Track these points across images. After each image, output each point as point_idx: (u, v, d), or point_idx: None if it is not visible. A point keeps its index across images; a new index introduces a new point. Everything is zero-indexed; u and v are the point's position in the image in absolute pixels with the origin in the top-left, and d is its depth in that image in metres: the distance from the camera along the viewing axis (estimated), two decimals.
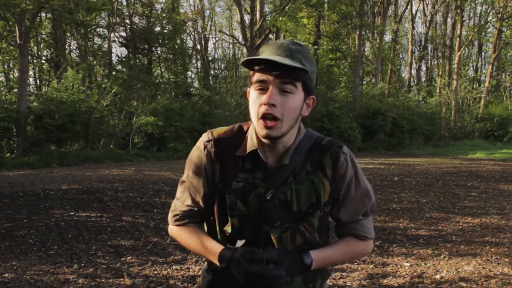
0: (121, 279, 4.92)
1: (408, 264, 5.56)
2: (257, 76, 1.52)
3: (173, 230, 1.77)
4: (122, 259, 5.66)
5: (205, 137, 1.69)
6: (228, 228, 1.62)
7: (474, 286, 4.83)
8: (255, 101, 1.53)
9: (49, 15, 23.90)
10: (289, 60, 1.48)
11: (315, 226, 1.61)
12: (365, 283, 4.89)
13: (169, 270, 5.25)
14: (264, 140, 1.58)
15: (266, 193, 1.58)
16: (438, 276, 5.12)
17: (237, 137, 1.67)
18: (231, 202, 1.60)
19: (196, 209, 1.70)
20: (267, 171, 1.60)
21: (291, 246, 1.59)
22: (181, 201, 1.73)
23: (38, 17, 21.38)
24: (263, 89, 1.51)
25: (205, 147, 1.67)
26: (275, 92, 1.50)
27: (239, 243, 1.58)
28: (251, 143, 1.63)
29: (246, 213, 1.59)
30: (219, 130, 1.71)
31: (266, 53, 1.54)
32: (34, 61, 26.85)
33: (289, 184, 1.60)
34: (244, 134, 1.67)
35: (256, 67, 1.52)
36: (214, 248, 1.62)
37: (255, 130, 1.61)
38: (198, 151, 1.69)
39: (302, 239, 1.60)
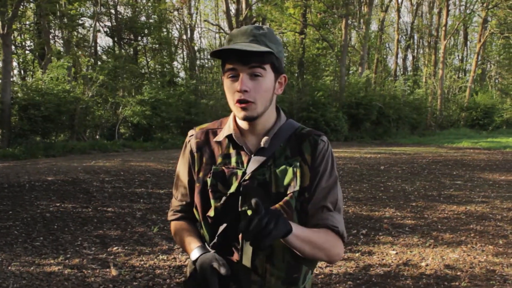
0: (107, 270, 4.90)
1: (394, 252, 5.60)
2: (227, 65, 1.59)
3: (171, 226, 1.86)
4: (108, 249, 5.64)
5: (189, 133, 1.81)
6: (211, 212, 1.65)
7: (459, 273, 4.88)
8: (230, 89, 1.60)
9: (32, 5, 23.62)
10: (254, 45, 1.55)
11: (292, 207, 1.61)
12: (351, 271, 4.91)
13: (155, 260, 5.25)
14: (243, 125, 1.68)
15: (245, 175, 1.63)
16: (423, 264, 5.17)
17: (217, 127, 1.77)
18: (212, 184, 1.65)
19: (184, 203, 1.80)
20: (247, 154, 1.66)
21: None
22: (175, 197, 1.85)
23: (22, 7, 21.11)
24: (234, 76, 1.58)
25: (189, 141, 1.78)
26: (246, 78, 1.56)
27: (221, 228, 1.62)
28: (227, 129, 1.70)
29: (227, 195, 1.63)
30: (202, 125, 1.82)
31: (233, 41, 1.60)
32: (18, 51, 26.55)
33: (269, 166, 1.63)
34: (224, 124, 1.76)
35: (225, 59, 1.60)
36: (190, 245, 1.69)
37: (234, 117, 1.71)
38: (183, 148, 1.80)
39: None
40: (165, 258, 5.32)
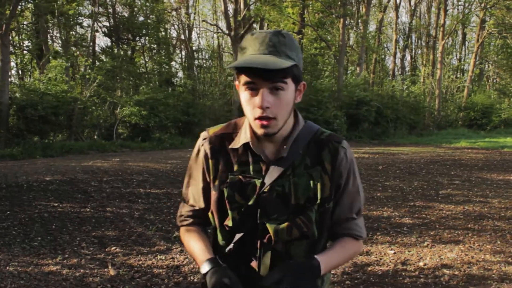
0: (105, 270, 4.90)
1: (392, 251, 5.60)
2: (244, 77, 1.49)
3: (180, 232, 1.80)
4: (106, 249, 5.64)
5: (201, 136, 1.71)
6: (228, 222, 1.60)
7: (456, 272, 4.88)
8: (248, 103, 1.51)
9: (30, 5, 23.60)
10: (275, 58, 1.45)
11: (312, 220, 1.58)
12: (349, 271, 4.92)
13: (153, 260, 5.25)
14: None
15: (263, 185, 1.57)
16: (421, 263, 5.17)
17: (232, 132, 1.68)
18: (229, 195, 1.59)
19: (197, 207, 1.73)
20: (264, 163, 1.60)
21: (287, 239, 1.57)
22: (185, 202, 1.77)
23: (20, 6, 21.09)
24: (253, 89, 1.49)
25: (202, 145, 1.69)
26: (266, 93, 1.47)
27: (237, 236, 1.59)
28: (244, 136, 1.62)
29: (245, 205, 1.58)
30: (215, 128, 1.71)
31: (249, 50, 1.49)
32: (16, 51, 26.52)
33: (288, 176, 1.58)
34: (239, 129, 1.68)
35: (242, 70, 1.49)
36: (200, 256, 1.63)
37: (249, 125, 1.60)
38: (195, 151, 1.72)
39: (299, 232, 1.57)
40: (163, 258, 5.32)
